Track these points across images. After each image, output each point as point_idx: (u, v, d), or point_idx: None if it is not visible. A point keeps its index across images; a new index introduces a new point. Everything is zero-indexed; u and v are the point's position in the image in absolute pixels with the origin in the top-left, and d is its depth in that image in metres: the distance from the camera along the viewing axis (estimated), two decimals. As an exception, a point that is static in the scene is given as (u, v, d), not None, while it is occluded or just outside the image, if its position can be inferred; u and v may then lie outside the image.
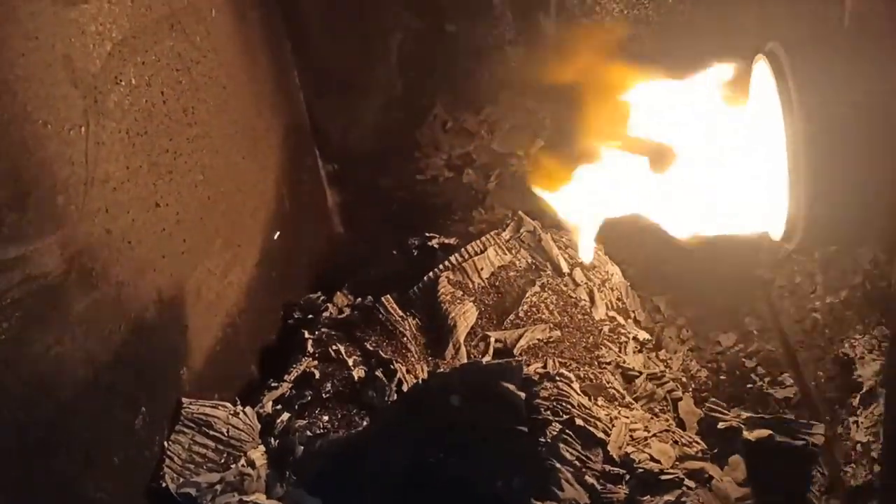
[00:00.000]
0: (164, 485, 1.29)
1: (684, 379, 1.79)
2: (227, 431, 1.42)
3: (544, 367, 1.61)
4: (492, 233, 1.96)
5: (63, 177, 1.12)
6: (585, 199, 1.79)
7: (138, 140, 1.33)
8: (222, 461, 1.39)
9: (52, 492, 1.07)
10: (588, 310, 1.84)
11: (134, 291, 1.29)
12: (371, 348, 1.69)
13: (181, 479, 1.31)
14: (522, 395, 1.36)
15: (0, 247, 0.99)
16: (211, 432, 1.40)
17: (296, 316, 1.88)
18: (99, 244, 1.20)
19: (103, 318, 1.20)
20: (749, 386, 1.80)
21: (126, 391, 1.25)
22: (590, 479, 1.29)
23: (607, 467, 1.33)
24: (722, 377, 1.85)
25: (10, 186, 1.01)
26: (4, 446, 0.98)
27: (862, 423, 1.43)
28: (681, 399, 1.65)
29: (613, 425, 1.42)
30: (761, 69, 1.43)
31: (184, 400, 1.40)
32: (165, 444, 1.34)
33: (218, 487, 1.31)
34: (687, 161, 1.56)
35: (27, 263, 1.04)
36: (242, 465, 1.38)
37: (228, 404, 1.47)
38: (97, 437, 1.16)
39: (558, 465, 1.28)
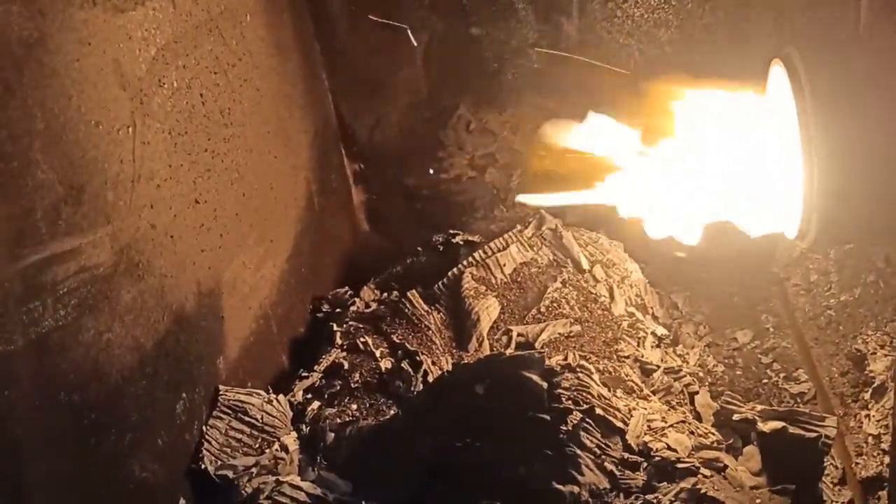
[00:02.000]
0: (203, 467, 1.36)
1: (701, 374, 1.83)
2: (262, 418, 1.48)
3: (565, 359, 1.66)
4: (514, 230, 2.00)
5: (113, 174, 1.19)
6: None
7: (180, 140, 1.40)
8: (257, 446, 1.46)
9: (104, 470, 1.14)
10: (608, 306, 1.88)
11: (176, 283, 1.35)
12: (397, 341, 1.75)
13: (219, 462, 1.38)
14: (545, 384, 1.41)
15: (58, 239, 1.06)
16: (246, 418, 1.46)
17: (324, 309, 1.94)
18: (145, 238, 1.27)
19: (148, 307, 1.26)
20: (764, 381, 1.84)
21: (168, 378, 1.31)
22: (609, 466, 1.34)
23: (626, 455, 1.38)
24: (738, 373, 1.89)
25: (66, 182, 1.07)
26: (63, 427, 1.05)
27: (873, 416, 1.47)
28: (697, 393, 1.69)
29: (632, 415, 1.46)
30: (777, 72, 1.47)
31: (220, 387, 1.47)
32: (204, 428, 1.40)
33: (254, 470, 1.38)
34: (703, 162, 1.60)
35: (81, 255, 1.10)
36: (276, 450, 1.44)
37: (262, 392, 1.53)
38: (142, 420, 1.23)
39: (579, 452, 1.33)
